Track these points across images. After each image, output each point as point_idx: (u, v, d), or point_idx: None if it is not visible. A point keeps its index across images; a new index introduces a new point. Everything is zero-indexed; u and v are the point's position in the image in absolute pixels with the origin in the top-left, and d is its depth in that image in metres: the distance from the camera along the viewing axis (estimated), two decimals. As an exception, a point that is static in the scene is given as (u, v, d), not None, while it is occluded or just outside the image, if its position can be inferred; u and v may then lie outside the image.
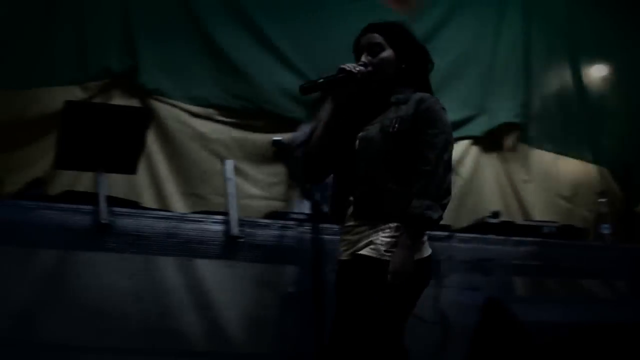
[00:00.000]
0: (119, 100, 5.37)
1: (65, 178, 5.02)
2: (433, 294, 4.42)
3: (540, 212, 6.11)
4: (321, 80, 3.12)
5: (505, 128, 6.27)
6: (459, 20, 6.24)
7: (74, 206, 4.06)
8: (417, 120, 3.11)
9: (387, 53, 3.28)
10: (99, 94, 5.30)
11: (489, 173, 6.21)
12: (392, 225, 3.04)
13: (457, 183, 5.98)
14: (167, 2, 5.61)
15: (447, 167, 3.06)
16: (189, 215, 4.27)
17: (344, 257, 3.12)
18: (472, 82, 6.22)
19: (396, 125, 3.11)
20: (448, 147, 3.10)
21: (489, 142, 6.27)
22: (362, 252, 3.05)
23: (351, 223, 3.12)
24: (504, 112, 6.19)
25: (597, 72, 6.81)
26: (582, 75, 6.64)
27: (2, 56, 5.02)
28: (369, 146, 3.13)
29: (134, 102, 5.40)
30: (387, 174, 3.09)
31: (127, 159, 4.36)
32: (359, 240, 3.08)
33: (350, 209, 3.13)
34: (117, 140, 4.21)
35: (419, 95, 3.23)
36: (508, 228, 4.78)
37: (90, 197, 4.13)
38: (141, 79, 5.40)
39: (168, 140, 5.35)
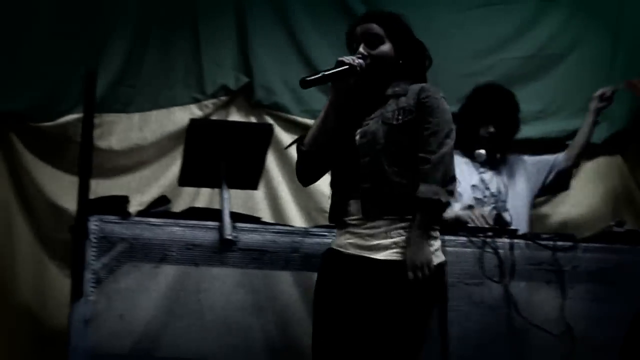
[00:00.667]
0: (236, 117, 5.47)
1: (187, 195, 5.14)
2: (559, 306, 4.35)
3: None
4: (321, 73, 3.07)
5: (626, 134, 6.10)
6: (575, 25, 6.13)
7: (199, 222, 4.12)
8: (419, 110, 3.05)
9: (387, 47, 3.21)
10: (216, 112, 5.40)
11: (616, 179, 6.05)
12: (408, 217, 2.98)
13: (580, 192, 5.87)
14: (279, 19, 5.66)
15: (451, 154, 3.02)
16: (312, 230, 4.29)
17: (351, 250, 3.01)
18: (592, 87, 6.06)
19: (399, 117, 3.07)
20: (451, 134, 3.08)
21: (614, 147, 6.11)
22: (388, 256, 2.95)
23: (357, 216, 3.03)
24: (625, 117, 6.03)
25: None
26: None
27: (124, 81, 5.19)
28: (372, 140, 3.10)
29: (251, 119, 5.49)
30: (392, 167, 3.04)
31: (248, 174, 4.42)
32: (373, 237, 2.98)
33: (354, 206, 3.03)
34: (238, 156, 4.28)
35: (417, 86, 3.18)
36: (635, 236, 4.65)
37: (213, 213, 4.19)
38: (258, 95, 5.48)
39: (284, 156, 5.40)
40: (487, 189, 5.03)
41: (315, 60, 5.54)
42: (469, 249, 4.33)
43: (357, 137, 3.13)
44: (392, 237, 3.03)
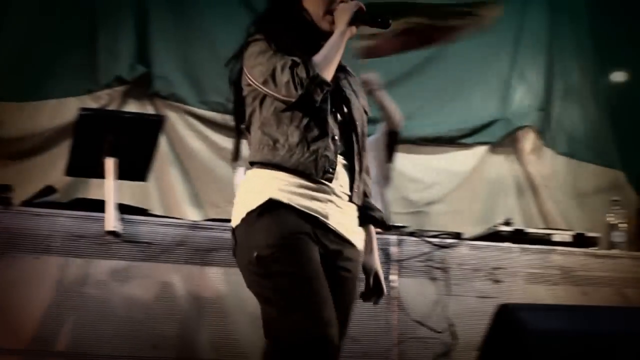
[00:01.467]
0: (133, 108, 5.41)
1: (80, 186, 5.07)
2: (442, 302, 4.42)
3: (559, 218, 6.08)
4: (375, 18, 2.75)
5: (525, 134, 6.23)
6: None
7: (84, 213, 4.07)
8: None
9: None
10: (112, 103, 5.34)
11: (509, 179, 6.18)
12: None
13: (474, 190, 5.99)
14: (182, 7, 5.62)
15: None
16: (199, 223, 4.27)
17: (343, 232, 2.71)
18: (490, 89, 6.20)
19: (367, 113, 2.96)
20: None
21: (510, 148, 6.24)
22: (358, 244, 2.81)
23: (342, 191, 2.74)
24: (520, 117, 6.16)
25: (616, 77, 6.77)
26: (601, 81, 6.60)
27: (15, 69, 5.10)
28: (363, 120, 2.85)
29: (149, 109, 5.44)
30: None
31: (138, 165, 4.37)
32: (350, 223, 2.78)
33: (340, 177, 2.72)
34: (128, 147, 4.22)
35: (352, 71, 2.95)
36: (520, 236, 4.75)
37: (100, 204, 4.14)
38: (155, 86, 5.43)
39: (181, 147, 5.36)
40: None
41: (219, 52, 5.52)
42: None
43: (354, 111, 2.87)
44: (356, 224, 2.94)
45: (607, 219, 5.29)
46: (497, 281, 4.60)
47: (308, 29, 2.79)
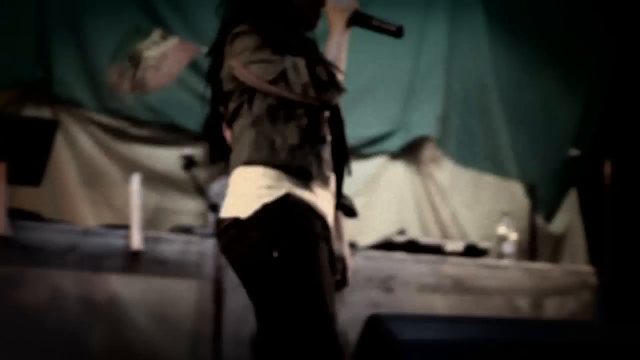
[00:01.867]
0: (32, 111, 5.32)
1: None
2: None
3: (455, 229, 6.19)
4: (377, 21, 2.69)
5: (424, 144, 6.32)
6: (378, 36, 6.27)
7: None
8: None
9: None
10: (10, 106, 5.25)
11: (407, 189, 6.27)
12: None
13: (372, 199, 6.06)
14: (84, 8, 5.56)
15: None
16: (91, 229, 4.24)
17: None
18: (390, 98, 6.28)
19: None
20: None
21: (410, 157, 6.33)
22: None
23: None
24: (419, 126, 6.25)
25: (513, 89, 6.94)
26: (500, 92, 6.75)
27: None
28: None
29: (47, 113, 5.37)
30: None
31: (30, 170, 4.32)
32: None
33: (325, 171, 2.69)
34: (20, 152, 4.18)
35: None
36: (413, 246, 4.84)
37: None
38: (55, 89, 5.36)
39: (78, 153, 5.31)
40: None
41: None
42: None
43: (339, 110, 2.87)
44: None
45: (498, 230, 5.42)
46: (389, 290, 4.67)
47: (294, 20, 2.72)
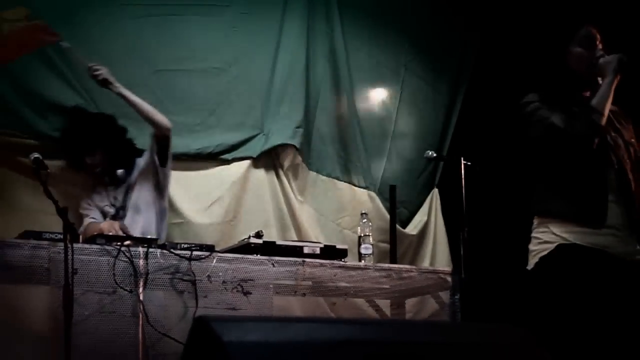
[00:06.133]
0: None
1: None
2: (189, 315, 4.44)
3: (314, 233, 6.24)
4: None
5: (285, 150, 6.34)
6: (235, 42, 6.27)
7: None
8: None
9: None
10: None
11: (268, 194, 6.27)
12: None
13: (231, 204, 6.04)
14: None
15: None
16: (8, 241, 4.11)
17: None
18: (251, 103, 6.27)
19: None
20: None
21: (270, 163, 6.34)
22: None
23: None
24: (280, 133, 6.26)
25: (372, 99, 7.03)
26: (357, 101, 6.82)
27: None
28: None
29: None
30: None
31: None
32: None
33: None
34: None
35: None
36: (270, 248, 4.83)
37: None
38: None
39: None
40: (114, 205, 5.29)
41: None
42: (103, 257, 4.32)
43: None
44: None
45: (357, 231, 5.48)
46: (247, 293, 4.66)
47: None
